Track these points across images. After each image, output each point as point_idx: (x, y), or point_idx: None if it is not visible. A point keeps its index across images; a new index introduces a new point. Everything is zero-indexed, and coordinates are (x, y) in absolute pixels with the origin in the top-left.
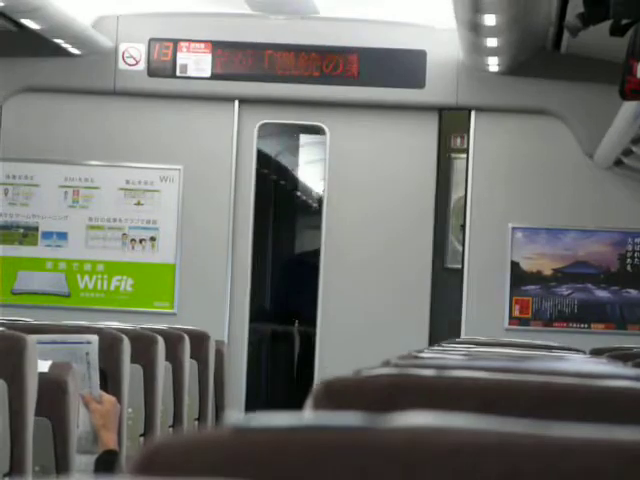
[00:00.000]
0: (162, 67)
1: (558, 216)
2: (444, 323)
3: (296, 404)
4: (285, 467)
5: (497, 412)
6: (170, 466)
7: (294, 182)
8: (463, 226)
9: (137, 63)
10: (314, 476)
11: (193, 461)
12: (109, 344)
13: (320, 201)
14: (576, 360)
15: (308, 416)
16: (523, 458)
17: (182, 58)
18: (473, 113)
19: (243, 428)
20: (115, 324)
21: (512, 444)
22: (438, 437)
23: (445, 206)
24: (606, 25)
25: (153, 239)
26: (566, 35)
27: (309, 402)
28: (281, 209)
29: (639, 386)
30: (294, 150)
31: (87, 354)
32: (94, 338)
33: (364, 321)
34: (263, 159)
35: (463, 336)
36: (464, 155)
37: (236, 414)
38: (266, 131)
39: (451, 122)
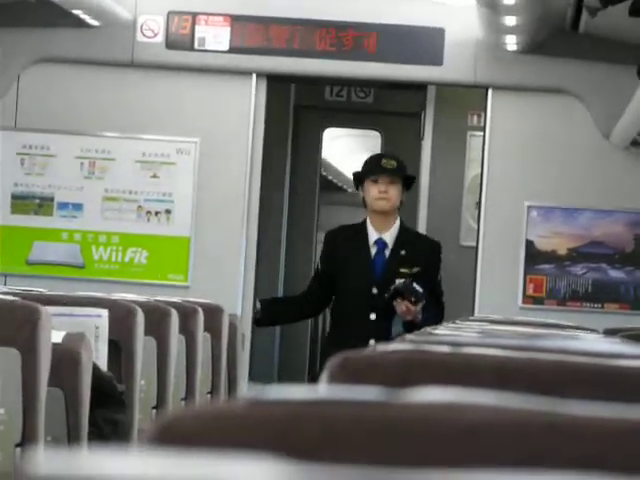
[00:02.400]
0: (180, 40)
1: (574, 195)
2: (458, 300)
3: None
4: (301, 439)
5: (511, 389)
6: (185, 438)
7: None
8: (479, 204)
9: (155, 35)
10: (330, 449)
11: (208, 433)
12: (123, 316)
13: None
14: (590, 339)
15: (323, 390)
16: (539, 436)
17: (200, 31)
18: (490, 91)
19: (258, 400)
20: (129, 296)
21: (528, 422)
22: (453, 413)
23: (460, 184)
24: (625, 6)
25: (168, 212)
26: (585, 15)
27: (324, 376)
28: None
29: None
30: None
31: (97, 327)
32: (104, 312)
33: None
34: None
35: (477, 314)
36: (481, 133)
37: (252, 386)
38: None
39: (468, 100)
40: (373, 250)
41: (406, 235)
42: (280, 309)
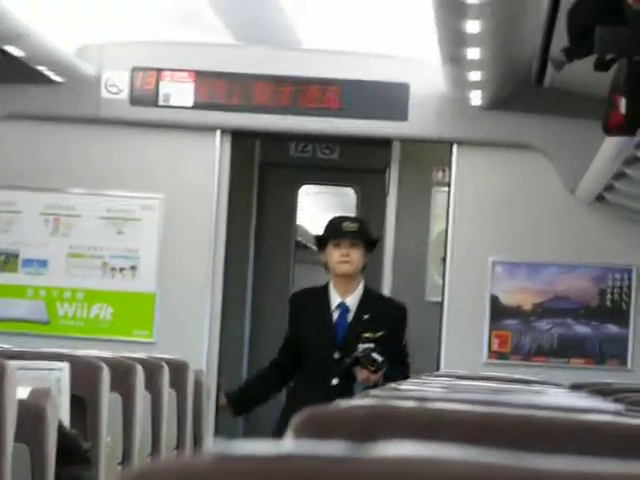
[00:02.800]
0: (145, 96)
1: (539, 251)
2: (424, 356)
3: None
4: None
5: (477, 444)
6: None
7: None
8: (444, 259)
9: (120, 91)
10: None
11: None
12: (88, 372)
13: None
14: (556, 394)
15: (289, 445)
16: None
17: (165, 87)
18: (455, 146)
19: (224, 456)
20: (94, 352)
21: (494, 476)
22: (421, 467)
23: (425, 239)
24: (590, 60)
25: (133, 268)
26: (550, 69)
27: (289, 432)
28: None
29: (619, 420)
30: None
31: (58, 381)
32: (65, 365)
33: None
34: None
35: (442, 369)
36: (446, 188)
37: (218, 441)
38: None
39: (433, 155)
40: (335, 314)
41: (370, 298)
42: (251, 396)
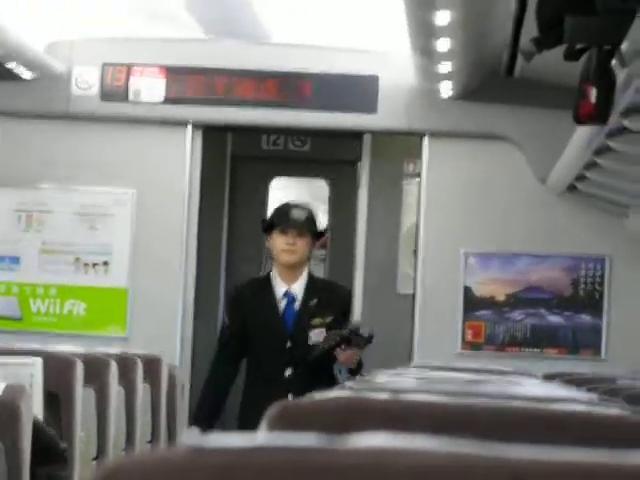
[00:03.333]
0: (115, 91)
1: (511, 241)
2: (397, 348)
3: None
4: None
5: (451, 435)
6: None
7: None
8: (415, 251)
9: (90, 87)
10: None
11: None
12: (62, 367)
13: None
14: (529, 384)
15: (262, 437)
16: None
17: (135, 82)
18: (426, 138)
19: (198, 448)
20: (68, 348)
21: (469, 467)
22: (395, 458)
23: (397, 231)
24: (560, 50)
25: (106, 263)
26: (520, 60)
27: (263, 424)
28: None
29: (593, 410)
30: None
31: (31, 375)
32: (38, 360)
33: None
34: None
35: (415, 361)
36: (417, 180)
37: (191, 434)
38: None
39: (404, 147)
40: (282, 303)
41: (315, 285)
42: (219, 409)
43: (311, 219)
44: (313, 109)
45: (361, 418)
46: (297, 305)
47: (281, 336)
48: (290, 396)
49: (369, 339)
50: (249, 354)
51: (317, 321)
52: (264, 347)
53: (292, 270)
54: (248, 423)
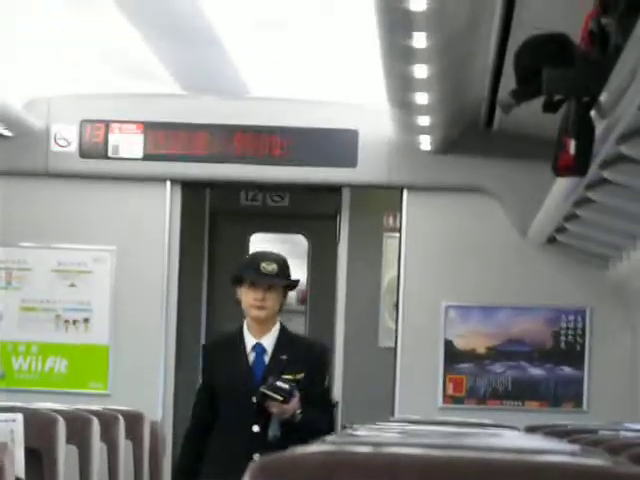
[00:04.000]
0: (94, 148)
1: (491, 294)
2: (378, 402)
3: None
4: None
5: None
6: None
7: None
8: (396, 305)
9: (69, 144)
10: None
11: None
12: (44, 425)
13: None
14: (511, 437)
15: None
16: None
17: (114, 139)
18: (405, 192)
19: None
20: (50, 405)
21: None
22: None
23: (378, 285)
24: (539, 102)
25: (86, 320)
26: (498, 112)
27: (246, 478)
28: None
29: (576, 461)
30: None
31: (12, 431)
32: (19, 416)
33: None
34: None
35: (397, 415)
36: (397, 234)
37: None
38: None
39: (384, 201)
40: (251, 357)
41: (287, 338)
42: (194, 466)
43: (282, 271)
44: (292, 164)
45: (343, 472)
46: (267, 358)
47: (249, 391)
48: (257, 455)
49: (288, 391)
50: (217, 411)
51: (287, 377)
52: (231, 403)
53: (263, 323)
54: (213, 477)
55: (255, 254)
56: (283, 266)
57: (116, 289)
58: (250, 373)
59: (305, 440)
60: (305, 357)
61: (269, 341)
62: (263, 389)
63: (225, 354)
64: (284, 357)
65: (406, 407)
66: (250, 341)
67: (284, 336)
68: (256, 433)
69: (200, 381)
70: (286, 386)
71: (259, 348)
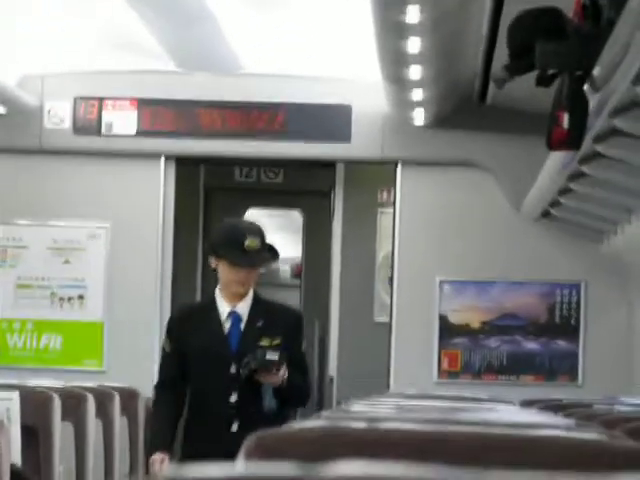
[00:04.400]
0: (88, 125)
1: (486, 268)
2: (373, 376)
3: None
4: None
5: (430, 462)
6: None
7: None
8: (391, 280)
9: (62, 121)
10: None
11: None
12: (39, 402)
13: None
14: (506, 411)
15: (241, 467)
16: None
17: (107, 116)
18: (399, 167)
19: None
20: (45, 382)
21: None
22: None
23: (373, 260)
24: (532, 76)
25: (81, 297)
26: (492, 87)
27: (241, 454)
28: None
29: (570, 435)
30: None
31: (7, 409)
32: (15, 394)
33: None
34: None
35: (392, 389)
36: (391, 209)
37: (170, 466)
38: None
39: (378, 176)
40: (227, 324)
41: (262, 305)
42: (172, 436)
43: (263, 243)
44: (286, 139)
45: (338, 447)
46: (242, 326)
47: (225, 359)
48: (235, 425)
49: (279, 361)
50: (191, 383)
51: (265, 342)
52: (207, 372)
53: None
54: (193, 451)
55: (235, 227)
56: (263, 237)
57: (111, 266)
58: (226, 341)
59: (291, 400)
60: (281, 323)
61: (244, 308)
62: (255, 366)
63: (198, 323)
64: (260, 323)
65: (401, 382)
66: (224, 309)
67: (258, 302)
68: (234, 403)
69: (167, 350)
70: (275, 357)
71: (234, 316)
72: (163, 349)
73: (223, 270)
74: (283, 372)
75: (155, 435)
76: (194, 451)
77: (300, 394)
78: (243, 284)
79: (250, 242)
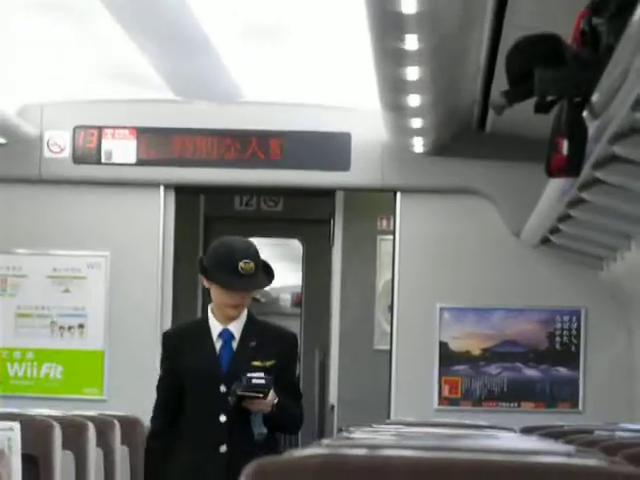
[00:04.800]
0: (87, 154)
1: (486, 295)
2: (373, 404)
3: None
4: None
5: None
6: None
7: None
8: (391, 307)
9: (62, 150)
10: None
11: None
12: (40, 431)
13: None
14: (507, 438)
15: None
16: None
17: (107, 144)
18: (399, 194)
19: None
20: (45, 411)
21: None
22: None
23: (373, 287)
24: (531, 103)
25: (81, 326)
26: (491, 114)
27: None
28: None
29: (572, 462)
30: None
31: (9, 439)
32: (16, 425)
33: None
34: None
35: (392, 417)
36: (391, 236)
37: None
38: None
39: (377, 204)
40: (218, 344)
41: (256, 325)
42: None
43: (258, 265)
44: (285, 167)
45: (339, 474)
46: (234, 345)
47: (215, 379)
48: (223, 447)
49: (265, 385)
50: (185, 400)
51: (256, 364)
52: (196, 392)
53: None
54: (180, 468)
55: (229, 249)
56: (258, 258)
57: (110, 294)
58: (217, 361)
59: (283, 426)
60: (276, 344)
61: (237, 327)
62: (240, 392)
63: (190, 342)
64: (253, 343)
65: (402, 409)
66: (216, 328)
67: (252, 322)
68: (223, 423)
69: (160, 372)
70: (262, 381)
71: (226, 334)
72: (159, 374)
73: (216, 292)
74: (272, 397)
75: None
76: (182, 468)
77: (292, 421)
78: (236, 307)
79: (244, 265)
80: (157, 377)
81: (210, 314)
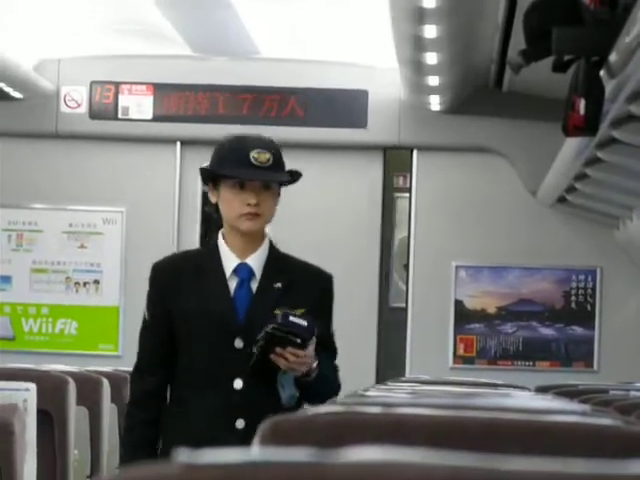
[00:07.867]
0: (104, 110)
1: (502, 254)
2: (389, 362)
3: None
4: None
5: (444, 448)
6: None
7: None
8: (407, 265)
9: (79, 106)
10: None
11: None
12: (54, 386)
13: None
14: (521, 397)
15: (256, 452)
16: None
17: (124, 100)
18: (415, 152)
19: (193, 464)
20: (60, 367)
21: (462, 478)
22: (388, 472)
23: (389, 245)
24: (548, 62)
25: (97, 282)
26: (508, 73)
27: (256, 440)
28: None
29: (586, 421)
30: None
31: (25, 400)
32: (32, 386)
33: None
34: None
35: (407, 375)
36: (407, 194)
37: (185, 450)
38: None
39: (394, 161)
40: (232, 283)
41: (280, 260)
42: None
43: (278, 161)
44: (301, 125)
45: (353, 432)
46: (254, 286)
47: (229, 331)
48: (240, 422)
49: (309, 330)
50: (179, 362)
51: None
52: (202, 348)
53: (250, 238)
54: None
55: (240, 139)
56: (278, 154)
57: (126, 250)
58: (231, 305)
59: (317, 400)
60: (309, 287)
61: (257, 262)
62: (271, 329)
63: (192, 280)
64: (278, 284)
65: (417, 367)
66: (230, 261)
67: (276, 257)
68: (238, 390)
69: (146, 317)
70: (304, 322)
71: (244, 271)
72: (143, 318)
73: (225, 199)
74: (311, 352)
75: (126, 456)
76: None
77: (329, 389)
78: (255, 215)
79: (257, 154)
80: None
81: (221, 243)
